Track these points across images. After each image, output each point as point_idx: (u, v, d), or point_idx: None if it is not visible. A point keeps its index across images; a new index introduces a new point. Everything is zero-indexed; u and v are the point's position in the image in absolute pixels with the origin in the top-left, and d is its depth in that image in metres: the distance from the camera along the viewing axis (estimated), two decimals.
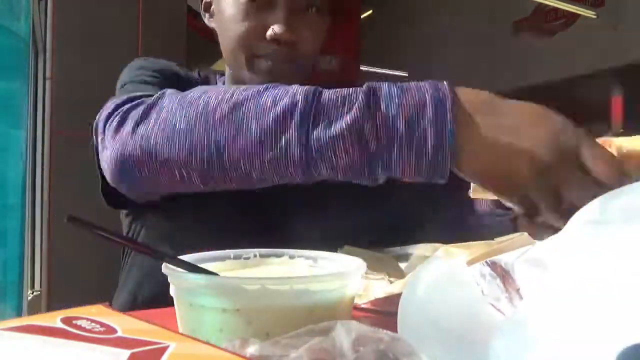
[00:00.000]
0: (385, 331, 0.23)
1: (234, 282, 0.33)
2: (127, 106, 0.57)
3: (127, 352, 0.20)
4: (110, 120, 0.58)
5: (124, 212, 0.78)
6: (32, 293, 2.11)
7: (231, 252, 0.41)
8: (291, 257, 0.42)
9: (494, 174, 0.46)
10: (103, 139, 0.58)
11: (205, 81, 0.85)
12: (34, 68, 2.15)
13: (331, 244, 0.52)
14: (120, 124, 0.56)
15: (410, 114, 0.45)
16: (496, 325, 0.26)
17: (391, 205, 0.70)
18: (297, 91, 0.49)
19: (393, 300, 0.40)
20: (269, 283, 0.32)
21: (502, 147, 0.45)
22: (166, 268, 0.34)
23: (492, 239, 0.50)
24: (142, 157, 0.54)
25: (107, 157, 0.58)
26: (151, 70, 0.76)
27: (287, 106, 0.48)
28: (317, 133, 0.47)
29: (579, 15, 5.42)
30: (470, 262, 0.31)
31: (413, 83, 0.49)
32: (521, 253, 0.30)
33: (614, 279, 0.23)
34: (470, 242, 0.50)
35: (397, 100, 0.46)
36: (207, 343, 0.22)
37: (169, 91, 0.56)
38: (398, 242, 0.67)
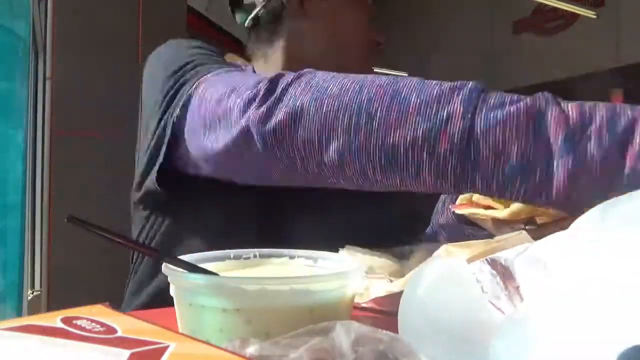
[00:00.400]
0: (384, 331, 0.23)
1: (234, 282, 0.33)
2: (267, 83, 0.51)
3: (127, 352, 0.20)
4: (254, 94, 0.51)
5: (141, 206, 0.73)
6: (32, 293, 2.11)
7: (231, 252, 0.41)
8: (291, 257, 0.42)
9: None
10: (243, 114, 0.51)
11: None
12: (34, 68, 2.15)
13: (331, 244, 0.52)
14: (269, 92, 0.51)
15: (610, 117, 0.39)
16: (496, 324, 0.26)
17: (390, 206, 0.70)
18: (470, 83, 0.44)
19: (393, 299, 0.40)
20: (269, 283, 0.32)
21: None
22: (166, 268, 0.34)
23: (492, 238, 0.50)
24: (286, 121, 0.48)
25: (243, 125, 0.51)
26: (185, 48, 0.70)
27: (454, 86, 0.44)
28: (486, 112, 0.41)
29: (579, 15, 5.42)
30: (470, 260, 0.31)
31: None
32: (521, 250, 0.30)
33: (614, 279, 0.23)
34: (470, 241, 0.50)
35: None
36: (207, 343, 0.22)
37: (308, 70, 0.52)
38: (393, 242, 0.67)
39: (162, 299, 0.41)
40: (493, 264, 0.30)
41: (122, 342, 0.21)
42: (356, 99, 0.45)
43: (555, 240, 0.29)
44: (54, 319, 0.23)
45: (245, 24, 0.80)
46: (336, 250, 0.54)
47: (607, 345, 0.20)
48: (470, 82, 0.44)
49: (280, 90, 0.50)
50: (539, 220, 0.55)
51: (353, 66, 0.73)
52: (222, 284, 0.32)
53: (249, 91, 0.52)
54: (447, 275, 0.30)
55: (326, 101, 0.46)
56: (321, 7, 0.76)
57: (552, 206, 0.42)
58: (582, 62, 5.40)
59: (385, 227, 0.68)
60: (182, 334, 0.23)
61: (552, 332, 0.23)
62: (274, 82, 0.51)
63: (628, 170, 0.37)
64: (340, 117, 0.45)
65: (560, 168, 0.39)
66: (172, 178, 0.63)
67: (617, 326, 0.21)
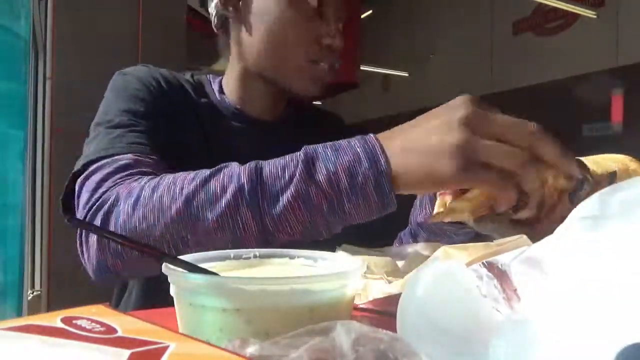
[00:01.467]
0: (385, 331, 0.23)
1: (234, 282, 0.33)
2: (91, 210, 0.59)
3: (127, 352, 0.20)
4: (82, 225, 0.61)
5: None
6: (32, 293, 2.11)
7: (231, 252, 0.41)
8: (291, 257, 0.42)
9: (427, 179, 0.49)
10: (82, 235, 0.61)
11: (200, 86, 0.86)
12: (34, 68, 2.15)
13: (331, 244, 0.52)
14: (86, 236, 0.60)
15: (348, 166, 0.50)
16: (496, 325, 0.26)
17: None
18: (240, 173, 0.52)
19: (392, 300, 0.40)
20: (269, 283, 0.32)
21: (421, 153, 0.48)
22: (166, 268, 0.34)
23: (491, 241, 0.50)
24: (114, 263, 0.57)
25: (86, 260, 0.62)
26: (133, 90, 0.75)
27: (235, 191, 0.51)
28: (269, 210, 0.51)
29: (579, 15, 5.42)
30: (469, 263, 0.31)
31: (344, 141, 0.53)
32: (518, 254, 0.30)
33: (613, 278, 0.23)
34: (469, 244, 0.50)
35: (333, 159, 0.51)
36: (207, 343, 0.22)
37: (121, 191, 0.58)
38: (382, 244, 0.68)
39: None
40: (490, 267, 0.30)
41: (122, 342, 0.21)
42: (165, 231, 0.53)
43: (552, 240, 0.29)
44: (54, 319, 0.23)
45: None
46: (335, 250, 0.54)
47: (606, 345, 0.20)
48: (245, 179, 0.52)
49: (95, 236, 0.58)
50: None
51: (290, 66, 0.79)
52: (222, 284, 0.32)
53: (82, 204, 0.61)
54: (445, 276, 0.30)
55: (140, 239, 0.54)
56: (254, 13, 0.79)
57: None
58: (582, 62, 5.40)
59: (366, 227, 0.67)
60: (182, 334, 0.23)
61: (551, 332, 0.23)
62: (92, 215, 0.58)
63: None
64: (160, 246, 0.53)
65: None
66: None
67: (615, 325, 0.21)
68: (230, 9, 0.81)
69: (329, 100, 6.52)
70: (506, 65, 6.03)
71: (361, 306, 0.47)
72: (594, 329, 0.22)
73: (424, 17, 7.26)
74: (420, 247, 0.61)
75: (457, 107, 0.49)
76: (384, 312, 0.45)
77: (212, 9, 0.84)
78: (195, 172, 0.56)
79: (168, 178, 0.56)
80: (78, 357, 0.20)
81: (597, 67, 5.25)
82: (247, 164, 0.54)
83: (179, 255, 0.45)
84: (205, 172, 0.55)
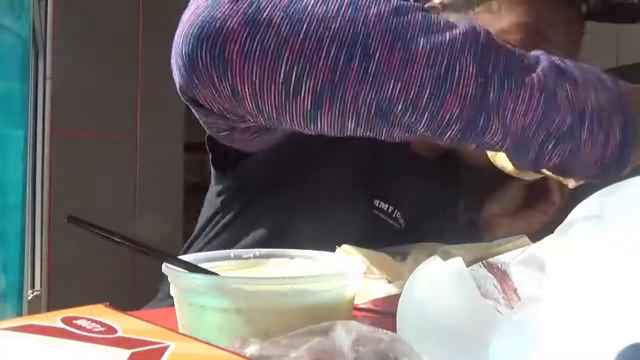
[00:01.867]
0: (385, 331, 0.23)
1: (234, 282, 0.33)
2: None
3: (127, 352, 0.20)
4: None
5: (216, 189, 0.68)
6: (32, 293, 2.11)
7: (231, 252, 0.41)
8: (291, 257, 0.42)
9: None
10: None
11: None
12: (34, 68, 2.15)
13: (331, 244, 0.52)
14: None
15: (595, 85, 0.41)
16: (495, 325, 0.26)
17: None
18: (476, 26, 0.39)
19: (392, 300, 0.40)
20: (269, 283, 0.32)
21: None
22: (166, 268, 0.34)
23: (491, 241, 0.50)
24: (240, 27, 0.36)
25: (184, 27, 0.41)
26: None
27: (467, 31, 0.37)
28: (500, 77, 0.37)
29: None
30: (469, 264, 0.31)
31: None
32: (518, 254, 0.30)
33: (613, 278, 0.23)
34: (468, 244, 0.50)
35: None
36: (207, 343, 0.22)
37: None
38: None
39: None
40: (490, 267, 0.30)
41: (122, 342, 0.21)
42: (350, 29, 0.36)
43: (552, 240, 0.29)
44: (54, 319, 0.23)
45: None
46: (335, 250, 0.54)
47: (606, 345, 0.20)
48: (483, 32, 0.38)
49: None
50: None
51: None
52: (222, 284, 0.32)
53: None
54: (445, 276, 0.30)
55: (305, 19, 0.36)
56: None
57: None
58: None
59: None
60: (182, 334, 0.23)
61: (551, 332, 0.23)
62: None
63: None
64: (325, 47, 0.35)
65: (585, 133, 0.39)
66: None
67: (615, 325, 0.21)
68: None
69: None
70: None
71: (361, 306, 0.47)
72: (594, 329, 0.22)
73: None
74: (420, 247, 0.61)
75: None
76: (384, 312, 0.45)
77: None
78: None
79: None
80: (78, 357, 0.20)
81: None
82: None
83: (338, 85, 0.35)
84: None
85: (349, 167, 0.63)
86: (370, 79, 0.36)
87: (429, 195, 0.68)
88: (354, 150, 0.60)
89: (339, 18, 0.36)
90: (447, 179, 0.71)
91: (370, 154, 0.63)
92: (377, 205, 0.65)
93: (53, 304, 2.13)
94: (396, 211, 0.67)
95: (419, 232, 0.65)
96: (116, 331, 0.22)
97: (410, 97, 0.36)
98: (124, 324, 0.23)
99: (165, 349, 0.21)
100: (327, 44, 0.35)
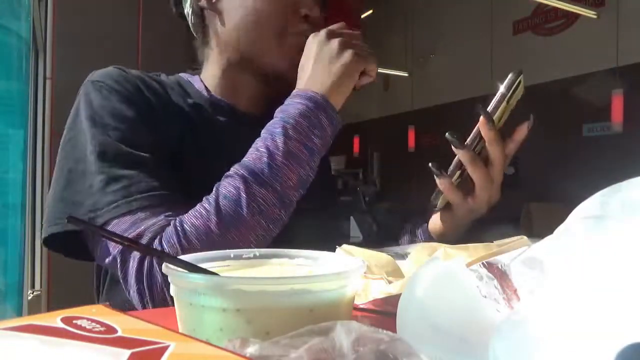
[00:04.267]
0: (385, 331, 0.23)
1: (234, 282, 0.33)
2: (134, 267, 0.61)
3: (127, 352, 0.20)
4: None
5: None
6: (32, 293, 2.11)
7: (231, 252, 0.41)
8: (291, 257, 0.42)
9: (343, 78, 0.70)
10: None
11: (179, 86, 0.82)
12: (34, 68, 2.15)
13: (331, 244, 0.52)
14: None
15: (300, 113, 0.67)
16: (495, 325, 0.26)
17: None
18: (236, 174, 0.65)
19: (392, 300, 0.40)
20: (269, 283, 0.32)
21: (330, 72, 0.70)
22: (166, 268, 0.34)
23: (491, 242, 0.50)
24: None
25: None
26: (116, 104, 0.70)
27: (243, 183, 0.63)
28: (271, 178, 0.64)
29: (579, 15, 5.42)
30: (469, 264, 0.31)
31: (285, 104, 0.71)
32: (518, 254, 0.30)
33: (613, 278, 0.23)
34: (469, 244, 0.50)
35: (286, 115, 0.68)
36: (207, 343, 0.22)
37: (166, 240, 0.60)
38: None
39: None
40: (490, 267, 0.30)
41: (122, 342, 0.21)
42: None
43: (552, 240, 0.29)
44: (54, 319, 0.23)
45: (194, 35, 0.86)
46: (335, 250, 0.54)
47: (606, 344, 0.20)
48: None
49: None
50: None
51: (273, 42, 0.78)
52: (222, 284, 0.32)
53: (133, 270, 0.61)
54: (445, 277, 0.30)
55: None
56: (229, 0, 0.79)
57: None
58: (582, 62, 5.40)
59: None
60: (182, 334, 0.23)
61: (551, 332, 0.23)
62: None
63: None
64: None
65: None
66: None
67: (615, 325, 0.21)
68: (204, 2, 0.80)
69: None
70: (506, 65, 6.02)
71: (361, 306, 0.47)
72: (593, 329, 0.22)
73: (424, 17, 7.25)
74: (420, 247, 0.61)
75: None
76: (384, 312, 0.45)
77: (187, 8, 0.84)
78: (200, 207, 0.62)
79: (187, 224, 0.61)
80: (78, 357, 0.20)
81: (597, 67, 5.25)
82: (232, 170, 0.64)
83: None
84: (211, 198, 0.62)
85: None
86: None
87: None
88: (197, 147, 0.77)
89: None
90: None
91: (216, 145, 0.78)
92: None
93: (53, 304, 2.13)
94: None
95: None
96: (116, 331, 0.22)
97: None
98: (124, 324, 0.23)
99: (165, 349, 0.21)
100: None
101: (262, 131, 0.68)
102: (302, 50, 0.75)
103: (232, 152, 0.72)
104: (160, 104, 0.75)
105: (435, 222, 0.82)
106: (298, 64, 0.76)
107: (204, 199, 0.63)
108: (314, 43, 0.71)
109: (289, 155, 0.64)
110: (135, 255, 0.61)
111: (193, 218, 0.61)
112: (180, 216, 0.62)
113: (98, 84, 0.72)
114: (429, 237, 0.82)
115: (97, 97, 0.71)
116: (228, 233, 0.60)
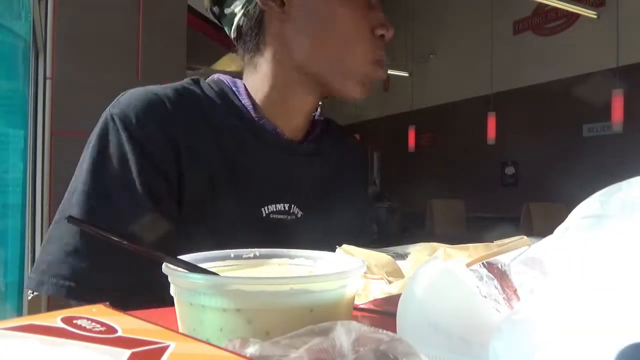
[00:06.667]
0: (385, 331, 0.23)
1: (234, 282, 0.33)
2: None
3: (127, 352, 0.20)
4: None
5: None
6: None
7: (231, 252, 0.41)
8: (291, 257, 0.42)
9: None
10: None
11: (224, 97, 0.74)
12: (34, 68, 2.15)
13: (331, 244, 0.52)
14: None
15: None
16: (495, 325, 0.26)
17: None
18: None
19: (392, 300, 0.40)
20: (269, 283, 0.32)
21: None
22: (166, 268, 0.34)
23: (491, 242, 0.50)
24: None
25: None
26: (124, 146, 0.63)
27: None
28: None
29: (579, 15, 5.42)
30: (469, 264, 0.31)
31: None
32: (518, 254, 0.30)
33: (613, 278, 0.23)
34: (469, 244, 0.50)
35: None
36: (207, 343, 0.22)
37: None
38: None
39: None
40: (490, 268, 0.30)
41: (122, 342, 0.21)
42: None
43: (552, 240, 0.29)
44: (54, 318, 0.23)
45: (231, 35, 0.76)
46: (335, 251, 0.54)
47: (606, 344, 0.20)
48: None
49: None
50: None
51: (350, 65, 0.71)
52: (222, 284, 0.32)
53: None
54: (445, 277, 0.30)
55: None
56: (303, 8, 0.70)
57: None
58: (582, 62, 5.40)
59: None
60: (182, 334, 0.23)
61: (551, 332, 0.23)
62: None
63: None
64: None
65: None
66: None
67: (615, 325, 0.21)
68: (272, 3, 0.70)
69: (329, 100, 6.51)
70: (506, 65, 6.03)
71: (361, 306, 0.47)
72: (594, 329, 0.22)
73: (424, 17, 7.26)
74: (420, 247, 0.61)
75: None
76: (384, 312, 0.45)
77: (237, 8, 0.73)
78: None
79: None
80: (78, 356, 0.20)
81: (597, 67, 5.25)
82: None
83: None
84: None
85: (236, 195, 0.70)
86: None
87: (316, 186, 0.75)
88: (233, 177, 0.69)
89: None
90: (324, 171, 0.79)
91: (247, 174, 0.71)
92: (269, 210, 0.71)
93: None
94: (293, 206, 0.73)
95: (317, 220, 0.74)
96: (116, 331, 0.22)
97: None
98: (124, 324, 0.23)
99: (165, 349, 0.21)
100: None
101: None
102: (375, 79, 0.72)
103: (270, 186, 0.69)
104: (192, 135, 0.67)
105: None
106: (365, 93, 0.72)
107: None
108: None
109: None
110: None
111: None
112: None
113: (116, 121, 0.65)
114: None
115: (107, 139, 0.64)
116: None
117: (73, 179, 0.65)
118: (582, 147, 5.34)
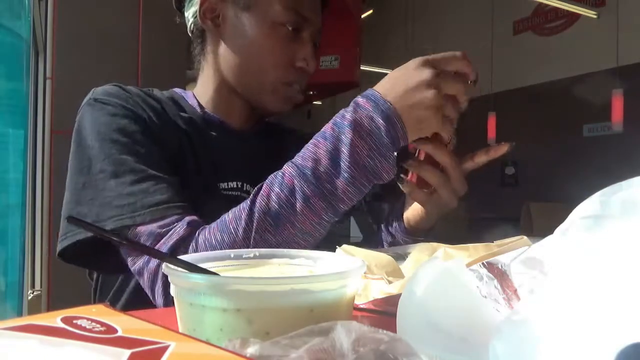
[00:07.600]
0: (385, 331, 0.23)
1: (234, 282, 0.33)
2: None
3: (127, 352, 0.20)
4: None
5: None
6: (32, 293, 2.12)
7: (231, 252, 0.41)
8: (291, 257, 0.42)
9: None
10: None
11: (174, 101, 0.84)
12: (34, 68, 2.15)
13: (331, 244, 0.52)
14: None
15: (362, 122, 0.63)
16: (495, 325, 0.26)
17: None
18: (285, 176, 0.63)
19: (392, 300, 0.40)
20: (269, 283, 0.32)
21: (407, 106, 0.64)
22: (166, 268, 0.34)
23: (491, 242, 0.50)
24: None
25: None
26: (119, 118, 0.72)
27: (298, 189, 0.62)
28: (331, 187, 0.61)
29: (579, 15, 5.42)
30: (469, 264, 0.31)
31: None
32: (518, 254, 0.30)
33: (613, 278, 0.23)
34: (469, 244, 0.50)
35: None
36: (207, 343, 0.22)
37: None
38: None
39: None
40: (490, 267, 0.30)
41: (123, 342, 0.21)
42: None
43: (552, 240, 0.29)
44: (54, 318, 0.23)
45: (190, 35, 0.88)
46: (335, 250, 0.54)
47: (606, 345, 0.20)
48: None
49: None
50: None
51: (263, 85, 0.81)
52: (222, 284, 0.32)
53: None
54: (445, 277, 0.30)
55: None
56: (234, 31, 0.81)
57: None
58: (582, 62, 5.40)
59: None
60: (182, 334, 0.23)
61: (551, 332, 0.23)
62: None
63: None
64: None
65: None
66: None
67: (615, 325, 0.21)
68: (209, 23, 0.82)
69: (329, 100, 6.51)
70: (506, 65, 6.03)
71: (361, 306, 0.47)
72: (594, 329, 0.22)
73: (424, 17, 7.25)
74: (420, 247, 0.61)
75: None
76: (384, 312, 0.45)
77: (189, 15, 0.85)
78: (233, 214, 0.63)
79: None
80: (78, 357, 0.20)
81: (597, 67, 5.25)
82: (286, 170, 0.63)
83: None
84: (245, 205, 0.63)
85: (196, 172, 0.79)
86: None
87: (263, 165, 0.79)
88: (192, 155, 0.79)
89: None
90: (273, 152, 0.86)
91: (203, 152, 0.80)
92: (224, 187, 0.80)
93: (53, 304, 2.13)
94: (245, 184, 0.81)
95: None
96: (116, 331, 0.22)
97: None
98: (124, 324, 0.23)
99: (165, 349, 0.21)
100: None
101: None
102: (290, 99, 0.83)
103: (224, 167, 0.75)
104: (159, 120, 0.76)
105: (409, 217, 0.85)
106: (286, 108, 0.84)
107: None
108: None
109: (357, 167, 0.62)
110: (150, 268, 0.63)
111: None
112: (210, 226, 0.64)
113: (101, 102, 0.74)
114: (404, 231, 0.85)
115: (101, 114, 0.73)
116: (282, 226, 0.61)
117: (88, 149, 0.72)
118: (583, 147, 5.34)
